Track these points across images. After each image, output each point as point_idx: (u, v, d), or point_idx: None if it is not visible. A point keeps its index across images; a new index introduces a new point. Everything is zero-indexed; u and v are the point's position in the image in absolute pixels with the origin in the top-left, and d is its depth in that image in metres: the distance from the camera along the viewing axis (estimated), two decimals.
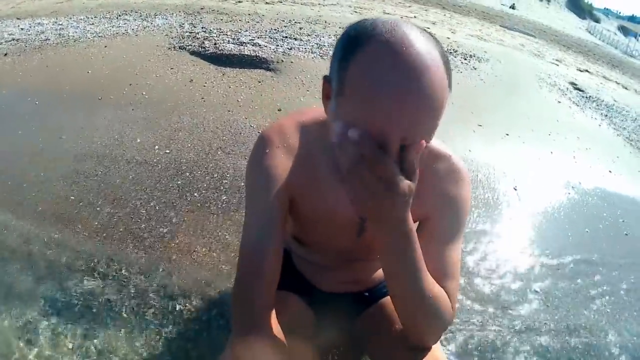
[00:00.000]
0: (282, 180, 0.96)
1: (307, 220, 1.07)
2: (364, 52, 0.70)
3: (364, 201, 0.73)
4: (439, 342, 1.09)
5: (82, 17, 7.07)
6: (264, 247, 0.93)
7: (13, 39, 5.60)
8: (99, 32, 5.95)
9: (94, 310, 1.69)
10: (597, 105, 6.21)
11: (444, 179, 1.00)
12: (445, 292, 0.93)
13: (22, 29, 6.26)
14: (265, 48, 5.34)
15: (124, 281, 1.84)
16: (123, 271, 1.89)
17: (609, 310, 2.11)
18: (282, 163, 0.97)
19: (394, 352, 1.06)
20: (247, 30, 6.23)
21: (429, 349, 1.02)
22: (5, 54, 4.92)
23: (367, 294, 1.32)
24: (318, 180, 0.99)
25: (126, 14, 7.34)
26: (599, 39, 25.07)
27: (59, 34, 5.84)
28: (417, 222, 1.02)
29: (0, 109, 3.47)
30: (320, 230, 1.07)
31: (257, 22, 7.11)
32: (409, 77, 0.67)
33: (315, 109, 1.06)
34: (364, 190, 0.71)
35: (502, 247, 2.43)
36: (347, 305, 1.31)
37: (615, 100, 6.80)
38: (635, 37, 30.24)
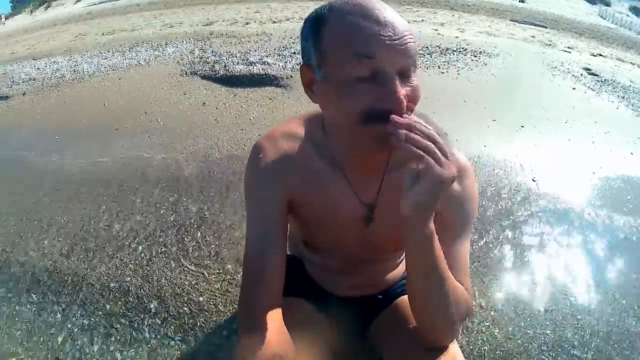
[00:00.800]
0: (278, 183, 0.99)
1: (310, 220, 1.08)
2: (330, 17, 0.82)
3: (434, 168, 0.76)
4: (455, 339, 1.08)
5: (95, 53, 7.29)
6: (265, 251, 0.95)
7: (30, 79, 5.83)
8: (113, 66, 6.14)
9: (117, 329, 1.75)
10: (613, 87, 6.09)
11: None
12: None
13: (38, 68, 6.51)
14: (274, 66, 5.42)
15: (145, 299, 1.88)
16: (142, 290, 1.94)
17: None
18: (276, 167, 0.99)
19: (411, 352, 1.05)
20: (255, 51, 6.33)
21: (446, 347, 1.01)
22: (24, 94, 5.13)
23: (380, 296, 1.31)
24: (315, 179, 1.00)
25: (138, 46, 7.53)
26: (612, 23, 24.63)
27: (74, 71, 6.06)
28: None
29: (22, 145, 3.61)
30: (325, 229, 1.08)
31: (266, 41, 7.20)
32: (376, 11, 0.79)
33: (302, 114, 1.09)
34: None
35: (524, 239, 2.40)
36: (361, 309, 1.30)
37: (631, 81, 6.66)
38: None
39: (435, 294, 0.89)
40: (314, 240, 1.17)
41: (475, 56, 6.71)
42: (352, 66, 0.78)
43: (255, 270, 0.95)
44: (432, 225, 0.83)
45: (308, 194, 1.01)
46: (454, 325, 0.96)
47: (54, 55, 7.60)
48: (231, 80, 4.98)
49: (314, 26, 0.84)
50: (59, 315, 1.82)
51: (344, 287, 1.29)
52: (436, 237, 0.85)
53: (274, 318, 0.92)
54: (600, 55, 9.13)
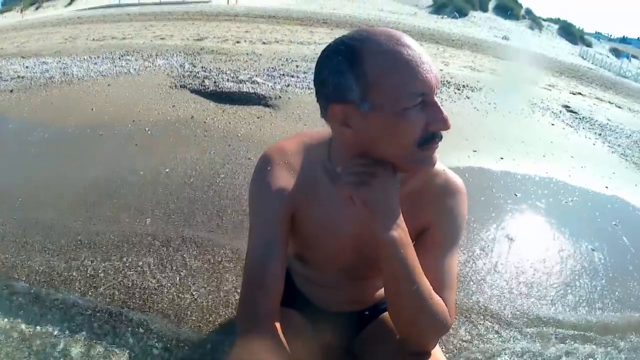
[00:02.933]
0: (283, 196, 1.02)
1: (309, 235, 1.11)
2: (367, 49, 0.85)
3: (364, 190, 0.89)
4: (439, 346, 1.11)
5: (85, 57, 7.29)
6: (267, 260, 0.98)
7: (18, 77, 5.82)
8: (102, 72, 6.16)
9: (99, 335, 1.75)
10: (591, 125, 6.33)
11: (440, 192, 1.06)
12: (443, 300, 0.97)
13: (27, 67, 6.49)
14: (263, 85, 5.49)
15: (129, 308, 1.90)
16: (127, 298, 1.95)
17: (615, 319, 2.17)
18: (283, 180, 1.03)
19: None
20: (245, 69, 6.41)
21: (429, 353, 1.04)
22: (11, 91, 5.11)
23: (367, 312, 1.34)
24: (319, 196, 1.05)
25: (128, 55, 7.55)
26: (592, 63, 25.29)
27: (64, 73, 6.06)
28: (416, 236, 1.07)
29: (6, 144, 3.65)
30: (322, 245, 1.11)
31: (255, 61, 7.30)
32: (409, 42, 0.86)
33: (314, 130, 1.13)
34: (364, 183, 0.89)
35: (502, 266, 2.47)
36: (348, 324, 1.33)
37: (609, 120, 6.93)
38: (628, 58, 30.46)
39: (406, 295, 0.92)
40: (309, 255, 1.19)
41: (459, 89, 6.92)
42: (406, 99, 0.84)
43: (256, 276, 0.98)
44: (395, 233, 0.90)
45: (310, 208, 1.05)
46: (428, 330, 0.99)
47: (43, 56, 7.57)
48: (220, 96, 5.02)
49: (351, 61, 0.85)
50: (39, 319, 1.81)
51: (332, 302, 1.32)
52: (408, 243, 0.92)
53: (272, 324, 0.95)
54: (580, 94, 9.43)
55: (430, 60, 0.86)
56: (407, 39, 0.86)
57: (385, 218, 0.90)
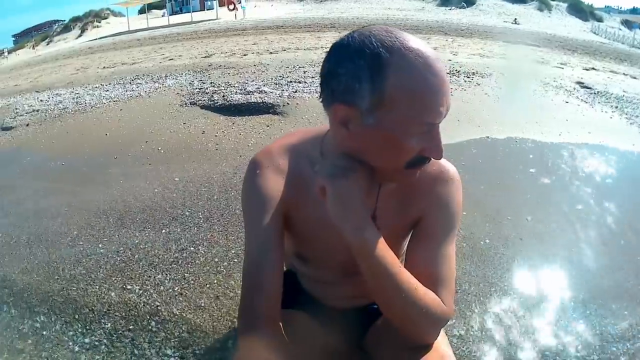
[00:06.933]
0: (274, 197, 1.02)
1: (304, 233, 1.11)
2: (393, 64, 0.80)
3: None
4: (445, 338, 1.10)
5: (97, 85, 7.47)
6: (263, 263, 0.98)
7: (34, 110, 6.01)
8: (114, 97, 6.30)
9: (118, 348, 1.78)
10: (607, 98, 6.22)
11: (434, 180, 1.04)
12: (440, 289, 0.96)
13: (41, 100, 6.70)
14: (271, 94, 5.53)
15: (145, 318, 1.93)
16: (143, 309, 1.98)
17: None
18: (273, 182, 1.03)
19: (401, 354, 1.07)
20: (253, 80, 6.48)
21: (431, 346, 1.02)
22: (27, 125, 5.29)
23: (375, 306, 1.31)
24: (309, 194, 1.02)
25: (138, 78, 7.71)
26: (605, 37, 24.80)
27: (77, 102, 6.23)
28: (410, 227, 1.07)
29: (26, 174, 3.76)
30: (319, 242, 1.11)
31: (263, 71, 7.37)
32: (438, 68, 0.82)
33: (301, 130, 1.14)
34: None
35: (523, 247, 2.45)
36: (357, 320, 1.31)
37: (624, 91, 6.80)
38: None
39: (389, 292, 0.92)
40: (309, 252, 1.20)
41: (469, 77, 6.85)
42: (416, 127, 0.83)
43: (254, 280, 0.98)
44: (366, 233, 0.89)
45: (302, 206, 1.05)
46: (422, 325, 0.97)
47: (56, 88, 7.78)
48: (230, 109, 5.09)
49: (373, 70, 0.80)
50: (60, 334, 1.85)
51: (337, 298, 1.30)
52: (378, 241, 0.90)
53: (273, 326, 0.95)
54: (593, 69, 9.28)
55: (448, 83, 0.84)
56: (436, 63, 0.82)
57: (355, 216, 0.89)
